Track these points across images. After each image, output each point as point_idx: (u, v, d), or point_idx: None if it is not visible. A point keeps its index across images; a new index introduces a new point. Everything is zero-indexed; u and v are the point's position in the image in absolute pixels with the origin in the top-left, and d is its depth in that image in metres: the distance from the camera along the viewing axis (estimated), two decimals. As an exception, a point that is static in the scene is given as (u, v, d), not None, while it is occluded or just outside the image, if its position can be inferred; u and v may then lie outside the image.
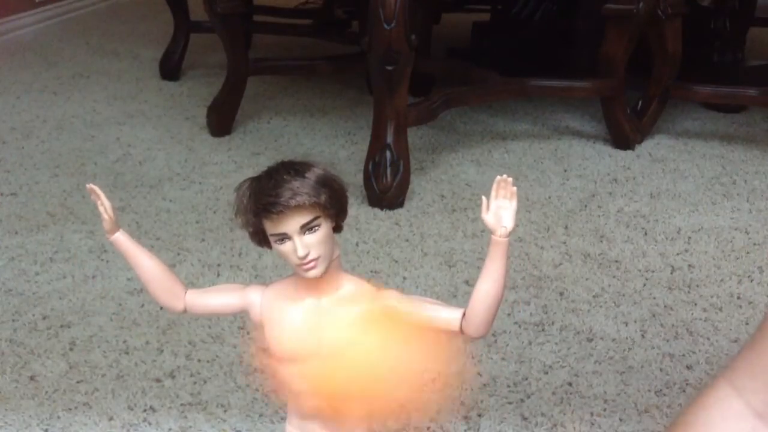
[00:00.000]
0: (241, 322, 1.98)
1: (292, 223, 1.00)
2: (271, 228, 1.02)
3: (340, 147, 3.07)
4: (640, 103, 3.18)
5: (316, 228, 1.02)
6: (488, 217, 1.03)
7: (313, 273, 1.03)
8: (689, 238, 2.42)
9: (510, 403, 1.72)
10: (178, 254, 2.28)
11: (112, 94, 3.63)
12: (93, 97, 3.58)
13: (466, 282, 2.15)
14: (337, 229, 1.07)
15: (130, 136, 3.14)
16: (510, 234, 1.03)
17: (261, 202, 1.00)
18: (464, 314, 1.05)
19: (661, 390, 1.76)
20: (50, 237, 2.36)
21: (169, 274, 1.14)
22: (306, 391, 1.09)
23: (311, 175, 1.02)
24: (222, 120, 3.16)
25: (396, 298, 1.08)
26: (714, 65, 3.49)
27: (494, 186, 1.03)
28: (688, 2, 3.10)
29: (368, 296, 1.08)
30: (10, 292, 2.09)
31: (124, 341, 1.90)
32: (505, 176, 1.03)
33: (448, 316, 1.06)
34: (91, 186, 1.12)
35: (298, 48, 4.15)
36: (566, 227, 2.47)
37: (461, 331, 1.05)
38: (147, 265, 1.13)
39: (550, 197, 2.66)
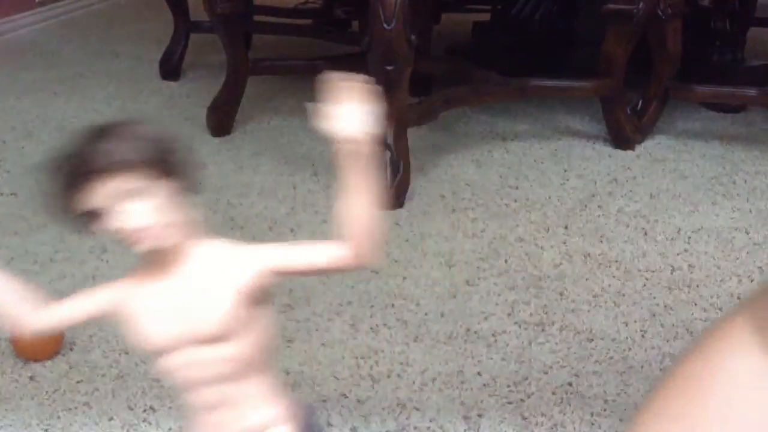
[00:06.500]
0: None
1: (113, 192, 0.88)
2: (91, 202, 0.90)
3: (340, 147, 3.07)
4: (640, 103, 3.17)
5: (144, 193, 0.89)
6: (332, 124, 0.92)
7: (149, 245, 0.91)
8: (689, 238, 2.42)
9: (510, 403, 1.72)
10: (178, 254, 2.28)
11: (112, 94, 3.62)
12: (93, 97, 3.58)
13: (467, 282, 2.15)
14: (181, 191, 0.94)
15: (130, 136, 3.14)
16: (358, 138, 0.92)
17: (73, 175, 0.88)
18: (345, 244, 0.94)
19: (661, 390, 1.76)
20: (50, 237, 2.36)
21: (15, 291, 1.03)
22: (198, 378, 0.98)
23: (125, 134, 0.90)
24: (222, 120, 3.16)
25: (267, 248, 0.97)
26: (714, 65, 3.48)
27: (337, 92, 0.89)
28: (688, 2, 3.10)
29: (232, 257, 0.97)
30: (10, 292, 2.09)
31: (124, 341, 1.90)
32: (356, 81, 0.89)
33: (331, 251, 0.94)
34: None
35: (298, 48, 4.14)
36: (566, 227, 2.47)
37: (348, 262, 0.94)
38: None
39: (550, 197, 2.66)
